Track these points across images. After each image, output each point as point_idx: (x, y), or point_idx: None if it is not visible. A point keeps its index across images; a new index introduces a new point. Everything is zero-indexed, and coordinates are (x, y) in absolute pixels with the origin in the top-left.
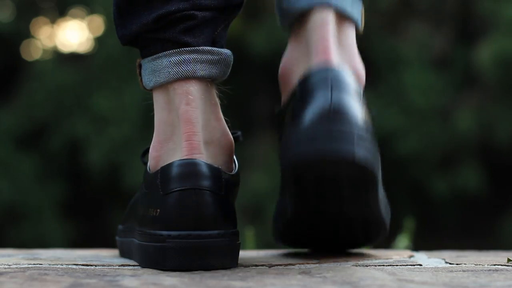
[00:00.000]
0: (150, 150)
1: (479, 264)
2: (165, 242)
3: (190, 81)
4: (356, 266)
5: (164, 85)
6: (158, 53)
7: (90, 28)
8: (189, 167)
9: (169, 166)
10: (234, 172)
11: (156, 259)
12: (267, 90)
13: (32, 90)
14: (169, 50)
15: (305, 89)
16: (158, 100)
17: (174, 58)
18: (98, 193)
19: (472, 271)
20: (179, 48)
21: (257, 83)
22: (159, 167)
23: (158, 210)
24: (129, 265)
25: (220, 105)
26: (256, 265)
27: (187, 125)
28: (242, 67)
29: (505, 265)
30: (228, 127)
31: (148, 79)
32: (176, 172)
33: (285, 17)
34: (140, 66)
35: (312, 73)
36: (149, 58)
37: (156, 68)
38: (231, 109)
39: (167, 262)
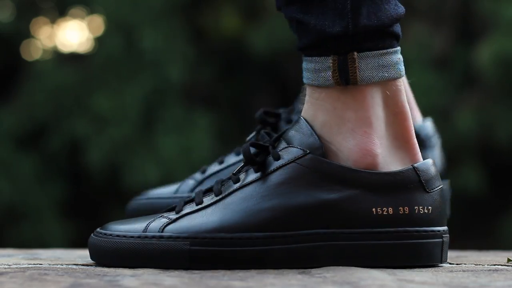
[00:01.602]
0: (369, 148)
1: (479, 264)
2: (442, 238)
3: (401, 80)
4: (356, 266)
5: (385, 82)
6: (388, 48)
7: (90, 28)
8: (435, 166)
9: (427, 165)
10: None
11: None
12: (267, 90)
13: (32, 90)
14: (396, 47)
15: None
16: (375, 96)
17: (399, 56)
18: (98, 193)
19: (472, 271)
20: (398, 46)
21: (257, 83)
22: (386, 166)
23: (430, 208)
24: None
25: (220, 104)
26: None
27: (408, 121)
28: (242, 67)
29: (505, 265)
30: None
31: (370, 73)
32: (436, 171)
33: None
34: (355, 59)
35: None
36: (377, 52)
37: (386, 63)
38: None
39: (444, 256)
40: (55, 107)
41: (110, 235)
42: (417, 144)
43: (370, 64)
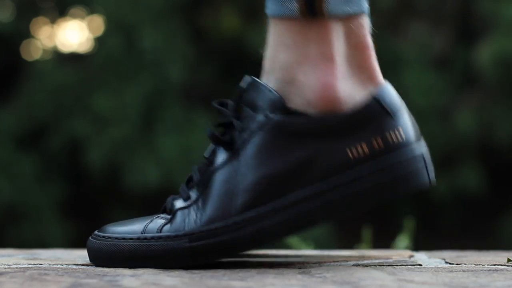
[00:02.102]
0: (330, 82)
1: (479, 264)
2: (424, 159)
3: (365, 15)
4: (356, 266)
5: (350, 17)
6: None
7: (90, 28)
8: (393, 89)
9: (386, 90)
10: None
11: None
12: None
13: (32, 90)
14: None
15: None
16: (338, 30)
17: None
18: (98, 193)
19: (472, 271)
20: None
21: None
22: (349, 98)
23: (400, 128)
24: None
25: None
26: (256, 265)
27: (369, 50)
28: (241, 67)
29: (505, 265)
30: None
31: (337, 5)
32: (396, 95)
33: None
34: None
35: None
36: None
37: None
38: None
39: (430, 175)
40: (55, 107)
41: (109, 237)
42: (377, 67)
43: None
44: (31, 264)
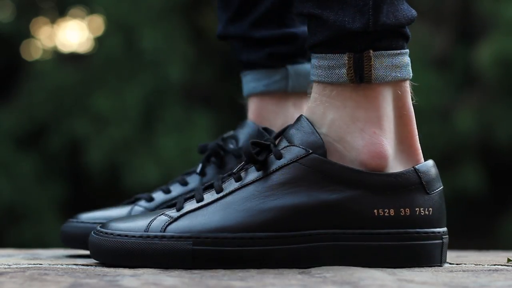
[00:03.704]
0: (377, 150)
1: (479, 264)
2: (442, 239)
3: (408, 82)
4: (356, 266)
5: (397, 82)
6: (401, 49)
7: (90, 28)
8: (435, 168)
9: (428, 167)
10: None
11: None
12: None
13: (32, 90)
14: (406, 49)
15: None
16: (377, 94)
17: (408, 58)
18: (98, 193)
19: (472, 271)
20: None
21: None
22: (391, 168)
23: (431, 209)
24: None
25: (220, 104)
26: None
27: (413, 124)
28: (241, 67)
29: (505, 265)
30: None
31: (384, 72)
32: (436, 172)
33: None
34: (370, 57)
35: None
36: (392, 52)
37: (399, 64)
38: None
39: (443, 257)
40: (55, 107)
41: (111, 234)
42: (419, 148)
43: (384, 63)
44: (31, 264)
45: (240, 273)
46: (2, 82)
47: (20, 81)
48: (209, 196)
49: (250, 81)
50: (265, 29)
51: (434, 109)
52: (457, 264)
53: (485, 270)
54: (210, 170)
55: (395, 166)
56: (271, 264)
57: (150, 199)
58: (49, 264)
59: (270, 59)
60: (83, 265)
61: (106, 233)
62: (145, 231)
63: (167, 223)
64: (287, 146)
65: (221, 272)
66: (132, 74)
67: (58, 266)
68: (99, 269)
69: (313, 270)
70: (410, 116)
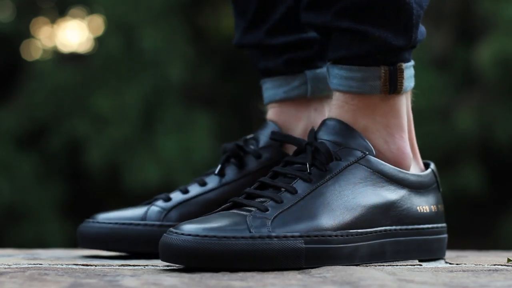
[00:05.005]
0: (407, 151)
1: (479, 264)
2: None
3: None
4: (356, 266)
5: (409, 91)
6: (410, 61)
7: (90, 28)
8: None
9: (435, 168)
10: None
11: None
12: None
13: (32, 90)
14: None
15: None
16: (401, 103)
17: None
18: (98, 193)
19: (472, 271)
20: None
21: (257, 83)
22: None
23: (443, 205)
24: (129, 265)
25: (220, 104)
26: None
27: (412, 126)
28: (242, 67)
29: (505, 265)
30: None
31: (407, 83)
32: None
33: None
34: (403, 70)
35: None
36: (409, 64)
37: (411, 74)
38: (231, 109)
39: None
40: (55, 107)
41: (215, 237)
42: (417, 147)
43: (407, 75)
44: (31, 264)
45: (240, 273)
46: (2, 82)
47: (20, 81)
48: (286, 197)
49: (269, 89)
50: (281, 36)
51: (434, 109)
52: (457, 264)
53: (485, 270)
54: (230, 171)
55: (412, 161)
56: (356, 260)
57: (168, 199)
58: (49, 264)
59: (288, 66)
60: (83, 265)
61: (206, 235)
62: (250, 232)
63: (268, 223)
64: (342, 148)
65: (221, 272)
66: (132, 74)
67: (58, 266)
68: (99, 269)
69: (313, 270)
70: (411, 119)
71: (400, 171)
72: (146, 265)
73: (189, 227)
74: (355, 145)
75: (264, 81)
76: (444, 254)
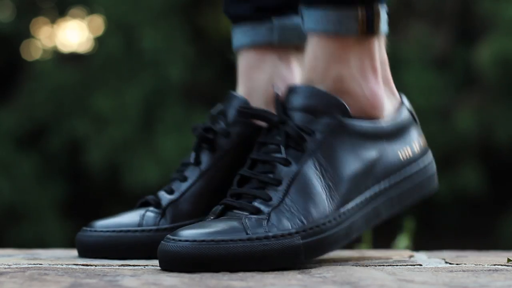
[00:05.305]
0: (379, 92)
1: (479, 264)
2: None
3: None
4: (356, 266)
5: (382, 35)
6: (384, 5)
7: (90, 28)
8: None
9: (407, 101)
10: None
11: None
12: None
13: (32, 90)
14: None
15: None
16: (375, 45)
17: None
18: (98, 193)
19: (472, 271)
20: None
21: None
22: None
23: (423, 136)
24: (129, 265)
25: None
26: None
27: (388, 66)
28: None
29: (505, 265)
30: None
31: (382, 26)
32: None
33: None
34: (379, 10)
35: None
36: (384, 7)
37: (385, 18)
38: None
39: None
40: (55, 107)
41: (212, 241)
42: (394, 86)
43: (382, 17)
44: (31, 264)
45: (240, 273)
46: (2, 82)
47: (20, 81)
48: (273, 192)
49: (238, 35)
50: None
51: (434, 109)
52: (457, 264)
53: (485, 270)
54: (204, 157)
55: (386, 99)
56: (354, 233)
57: (158, 204)
58: (49, 264)
59: (257, 12)
60: (83, 265)
61: (204, 240)
62: (247, 234)
63: (264, 223)
64: (313, 119)
65: (221, 272)
66: (132, 74)
67: (58, 266)
68: (99, 269)
69: (313, 270)
70: (386, 60)
71: (373, 124)
72: (146, 265)
73: (186, 233)
74: (327, 108)
75: (233, 29)
76: (436, 186)
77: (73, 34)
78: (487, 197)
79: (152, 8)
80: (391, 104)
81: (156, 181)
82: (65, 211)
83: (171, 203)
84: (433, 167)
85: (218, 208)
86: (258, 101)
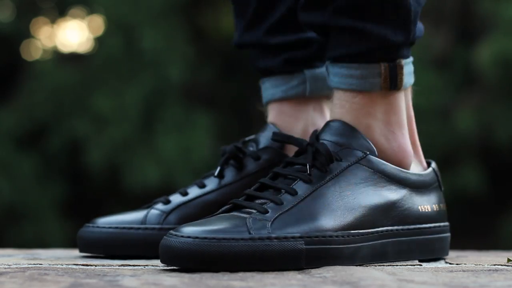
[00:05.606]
0: (408, 149)
1: (479, 264)
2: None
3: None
4: (356, 266)
5: (408, 88)
6: (409, 58)
7: (90, 28)
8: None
9: (436, 166)
10: None
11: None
12: None
13: (32, 90)
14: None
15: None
16: (401, 99)
17: None
18: (98, 193)
19: (472, 271)
20: None
21: (256, 84)
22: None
23: (444, 204)
24: (129, 265)
25: (220, 104)
26: None
27: (414, 124)
28: (242, 67)
29: (505, 265)
30: None
31: (406, 80)
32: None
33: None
34: (402, 66)
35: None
36: (408, 61)
37: (411, 70)
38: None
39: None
40: (55, 107)
41: (214, 238)
42: (419, 144)
43: (407, 71)
44: (31, 264)
45: (240, 273)
46: (2, 82)
47: (20, 81)
48: (285, 198)
49: (268, 88)
50: (280, 35)
51: (434, 109)
52: (457, 264)
53: (485, 270)
54: (229, 173)
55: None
56: (357, 261)
57: (167, 202)
58: (49, 264)
59: (286, 65)
60: (83, 265)
61: (206, 237)
62: (249, 233)
63: (268, 225)
64: (343, 149)
65: (221, 272)
66: (132, 74)
67: (58, 266)
68: (99, 269)
69: (313, 270)
70: (412, 116)
71: (401, 170)
72: (146, 265)
73: (189, 230)
74: (356, 146)
75: (263, 81)
76: (447, 253)
77: (73, 34)
78: (487, 197)
79: (152, 8)
80: (417, 162)
81: (156, 181)
82: (65, 211)
83: (182, 204)
84: (448, 236)
85: (226, 206)
86: (294, 149)
